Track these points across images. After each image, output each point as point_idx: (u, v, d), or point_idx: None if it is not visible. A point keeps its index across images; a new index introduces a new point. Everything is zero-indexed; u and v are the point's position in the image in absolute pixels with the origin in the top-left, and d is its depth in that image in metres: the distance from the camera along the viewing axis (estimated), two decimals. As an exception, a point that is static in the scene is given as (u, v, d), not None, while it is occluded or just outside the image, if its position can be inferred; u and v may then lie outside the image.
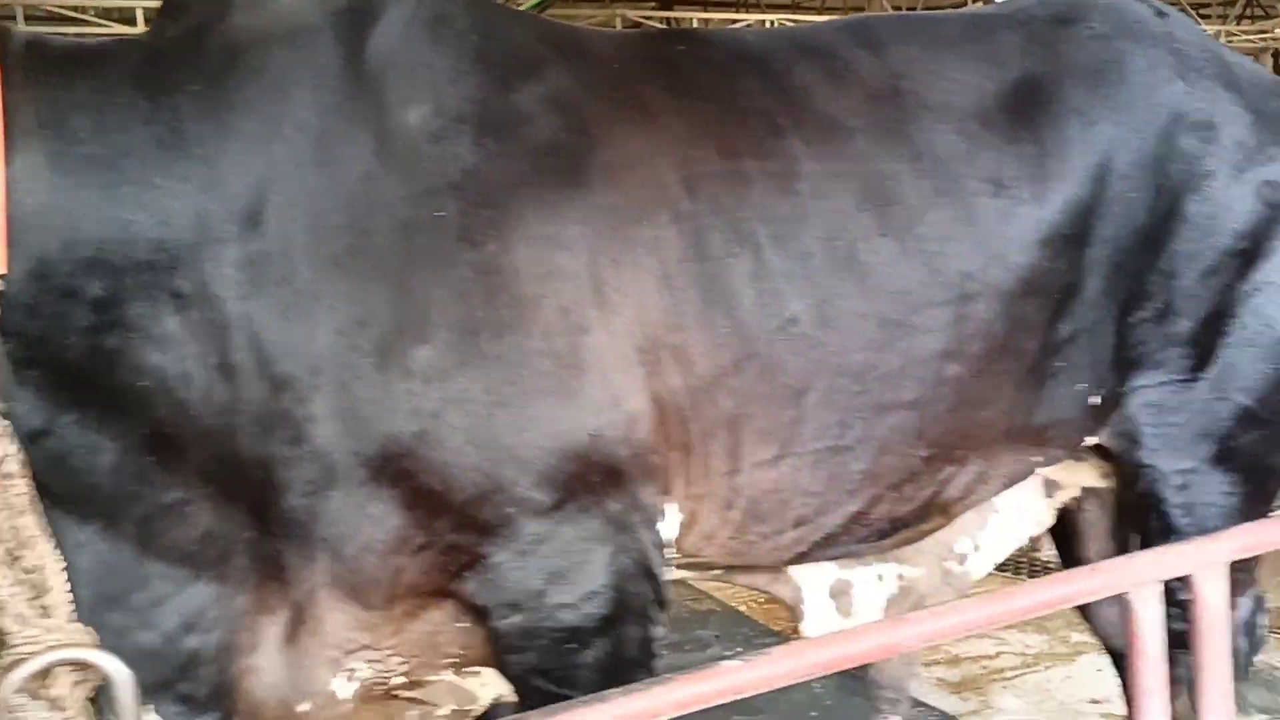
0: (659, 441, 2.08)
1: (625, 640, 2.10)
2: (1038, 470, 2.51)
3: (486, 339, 1.95)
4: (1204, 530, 2.48)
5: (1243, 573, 2.59)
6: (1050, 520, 2.83)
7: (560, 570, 2.02)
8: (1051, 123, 2.34)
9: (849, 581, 2.74)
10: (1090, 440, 2.46)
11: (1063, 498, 2.78)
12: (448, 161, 2.01)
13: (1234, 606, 2.63)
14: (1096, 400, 2.38)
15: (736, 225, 2.10)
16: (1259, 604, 2.71)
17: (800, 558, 2.41)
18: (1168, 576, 1.97)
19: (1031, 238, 2.27)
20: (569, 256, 2.01)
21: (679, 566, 2.43)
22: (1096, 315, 2.33)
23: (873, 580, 2.74)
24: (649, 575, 2.12)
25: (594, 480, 2.01)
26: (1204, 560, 1.90)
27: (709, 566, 2.44)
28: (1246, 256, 2.37)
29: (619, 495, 2.04)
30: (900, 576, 2.74)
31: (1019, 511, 2.79)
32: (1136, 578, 1.86)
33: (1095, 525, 2.78)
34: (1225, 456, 2.43)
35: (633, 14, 13.70)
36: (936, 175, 2.25)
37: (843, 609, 2.73)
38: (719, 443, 2.14)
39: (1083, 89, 2.38)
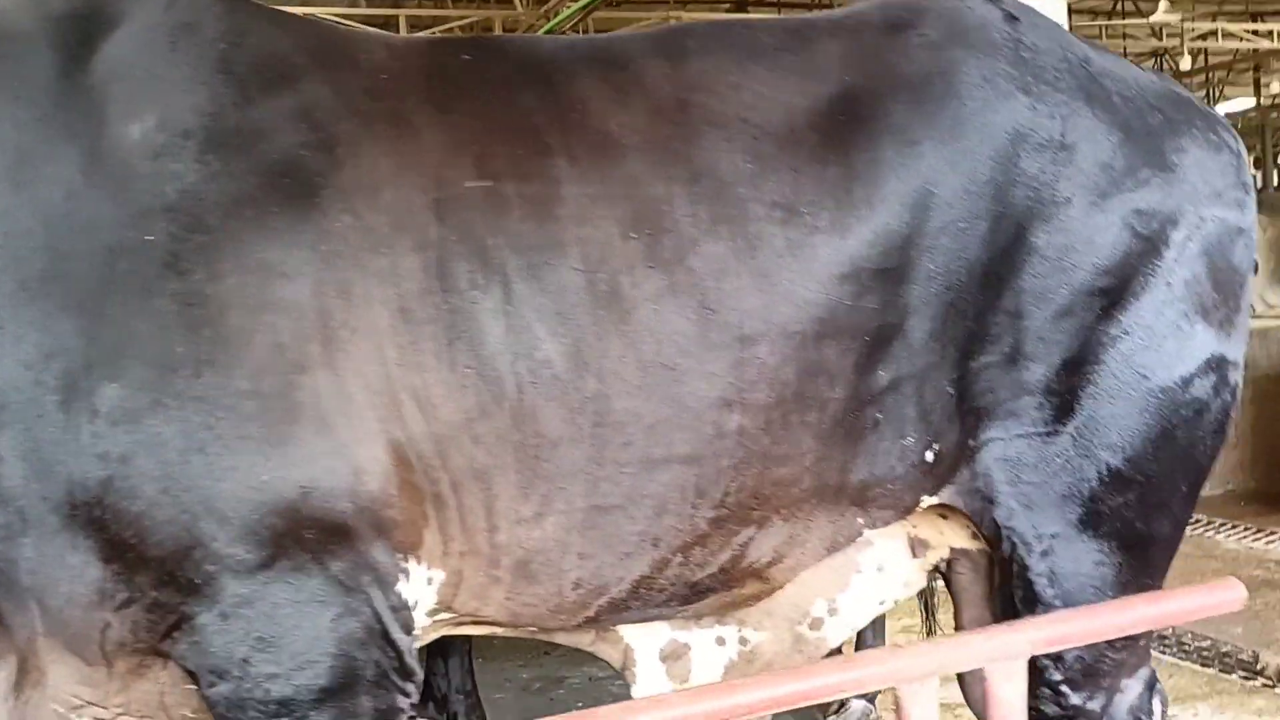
0: (398, 495, 1.85)
1: (356, 713, 1.87)
2: (883, 530, 2.22)
3: (184, 377, 1.75)
4: (1072, 602, 2.18)
5: (1124, 652, 2.27)
6: (921, 581, 2.52)
7: (268, 636, 1.80)
8: (864, 143, 2.04)
9: (685, 644, 2.47)
10: (930, 500, 2.17)
11: (932, 558, 2.47)
12: (164, 180, 1.82)
13: (1118, 690, 2.34)
14: (930, 456, 2.08)
15: (485, 254, 1.87)
16: (1151, 687, 2.37)
17: (590, 621, 2.16)
18: (951, 670, 1.69)
19: (830, 272, 1.98)
20: (289, 287, 1.80)
21: (465, 625, 2.19)
22: (926, 360, 2.04)
23: (712, 643, 2.47)
24: (385, 641, 1.88)
25: (309, 537, 1.79)
26: (996, 653, 1.61)
27: (497, 625, 2.19)
28: (1112, 295, 2.06)
29: (344, 554, 1.82)
30: (743, 640, 2.47)
31: (882, 572, 2.49)
32: (909, 672, 1.58)
33: (968, 590, 2.46)
34: (1094, 521, 2.12)
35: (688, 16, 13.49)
36: (717, 201, 1.98)
37: (677, 673, 2.47)
38: (473, 496, 1.90)
39: (904, 105, 2.07)
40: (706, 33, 2.27)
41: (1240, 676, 4.48)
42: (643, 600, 2.10)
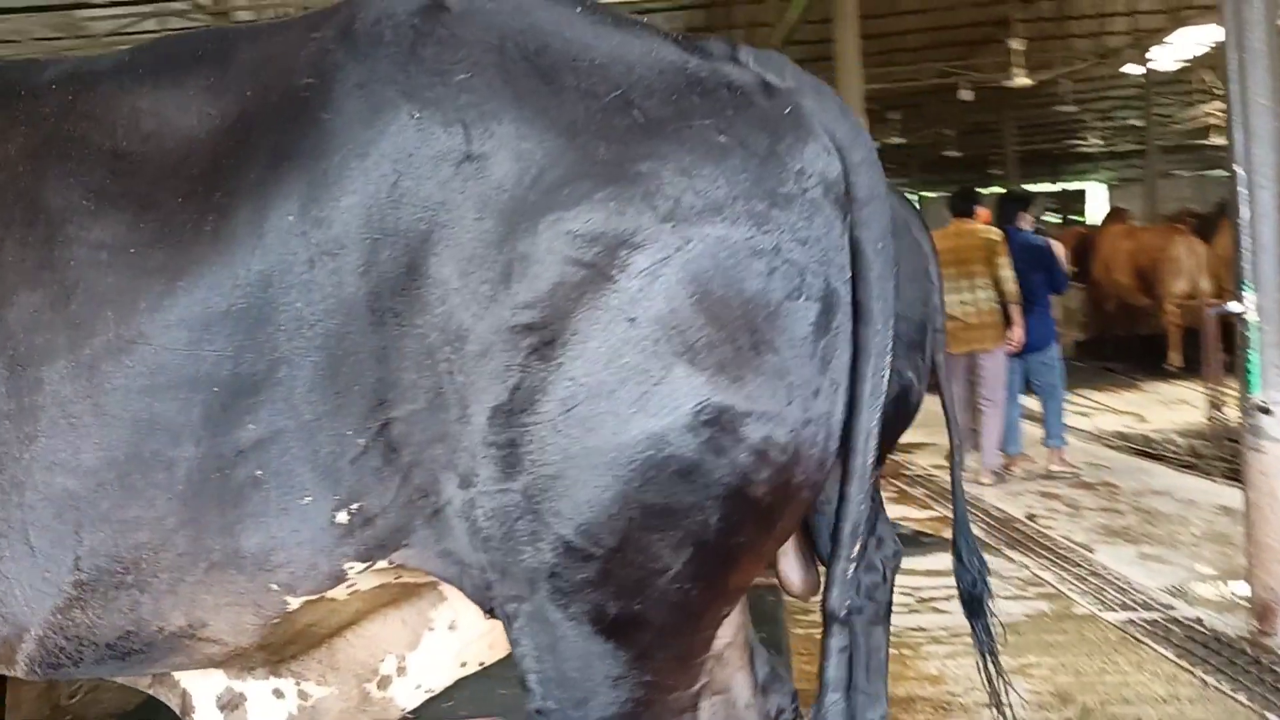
0: None
1: None
2: (305, 600, 1.90)
3: None
4: (565, 686, 1.80)
5: None
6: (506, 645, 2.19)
7: None
8: (233, 169, 1.71)
9: (241, 694, 2.25)
10: (363, 566, 1.84)
11: (510, 618, 2.14)
12: None
13: None
14: (345, 517, 1.77)
15: None
16: None
17: (25, 671, 1.99)
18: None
19: (158, 318, 1.67)
20: None
21: None
22: (315, 411, 1.72)
23: (269, 695, 2.23)
24: None
25: None
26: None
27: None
28: (544, 333, 1.66)
29: None
30: (303, 694, 2.22)
31: (455, 631, 2.17)
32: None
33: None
34: (560, 597, 1.74)
35: None
36: (44, 244, 1.73)
37: (234, 726, 2.28)
38: None
39: (280, 122, 1.72)
40: (151, 48, 1.97)
41: None
42: (65, 657, 1.92)
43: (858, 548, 1.90)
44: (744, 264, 1.66)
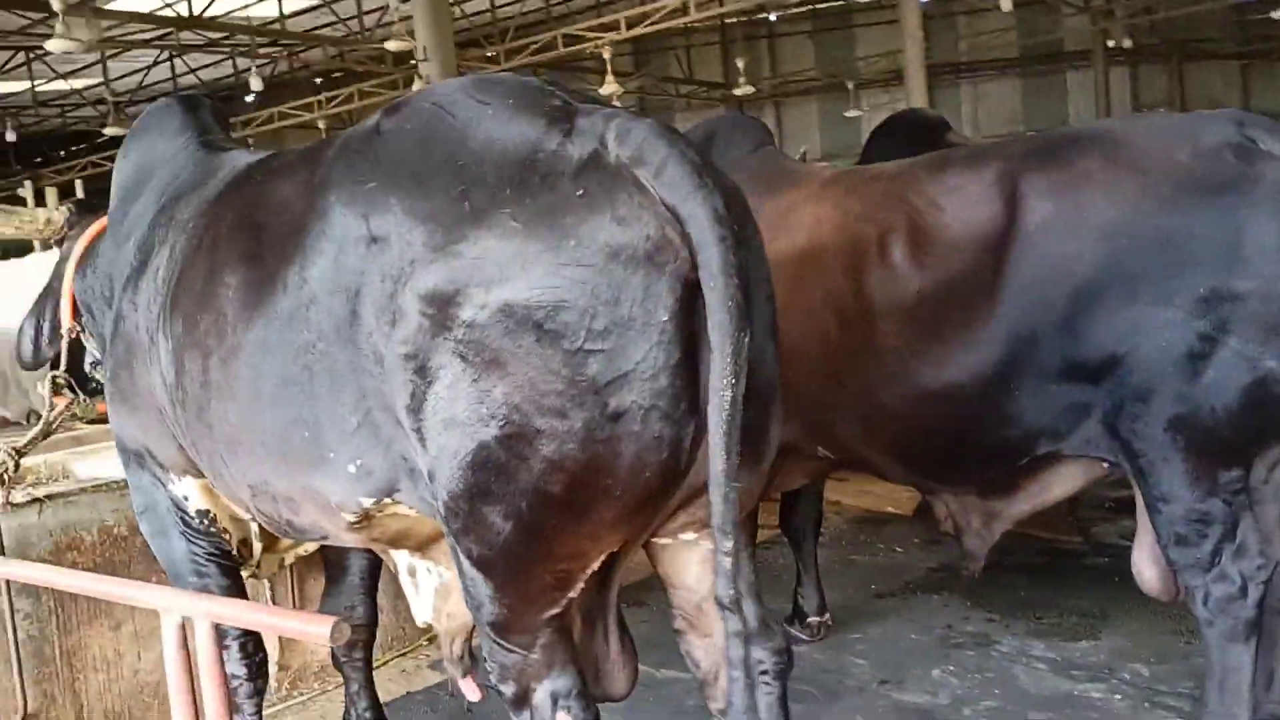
0: None
1: None
2: (353, 517, 2.88)
3: None
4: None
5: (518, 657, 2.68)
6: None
7: None
8: (288, 240, 2.71)
9: (413, 566, 3.47)
10: (386, 500, 2.76)
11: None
12: None
13: (529, 688, 2.75)
14: (353, 469, 2.68)
15: None
16: (557, 700, 2.68)
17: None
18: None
19: (253, 335, 2.80)
20: None
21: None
22: (328, 399, 2.63)
23: (424, 569, 3.42)
24: None
25: None
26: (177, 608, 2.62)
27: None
28: (417, 360, 2.39)
29: None
30: (440, 573, 3.35)
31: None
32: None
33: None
34: (453, 539, 2.58)
35: None
36: (210, 278, 2.96)
37: (415, 586, 3.49)
38: None
39: (297, 211, 2.75)
40: (295, 152, 3.15)
41: None
42: (272, 526, 3.26)
43: (729, 543, 2.39)
44: (534, 313, 2.26)
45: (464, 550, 2.57)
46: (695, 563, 2.92)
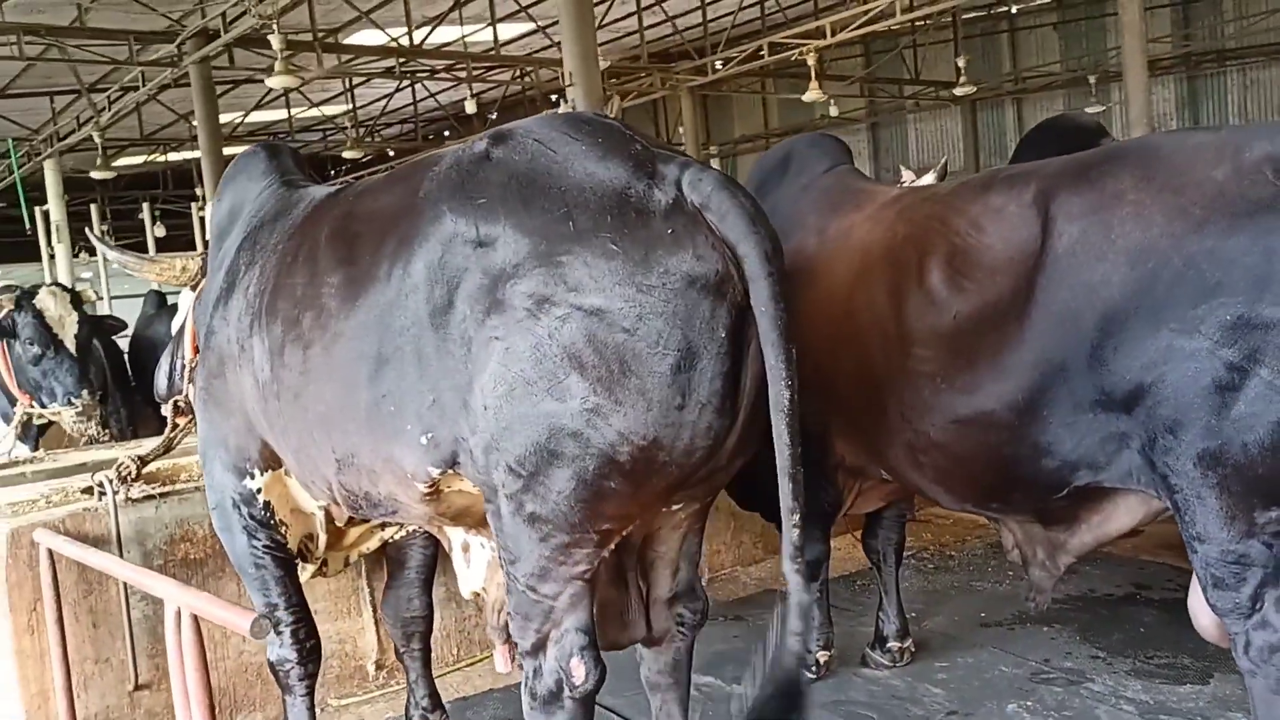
0: None
1: None
2: (425, 488, 3.13)
3: None
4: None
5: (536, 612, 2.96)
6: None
7: None
8: (381, 244, 3.06)
9: (466, 543, 3.70)
10: (450, 472, 3.01)
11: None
12: None
13: (545, 641, 3.03)
14: (424, 440, 2.95)
15: None
16: (571, 654, 2.92)
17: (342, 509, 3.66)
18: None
19: (350, 324, 3.13)
20: None
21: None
22: (411, 377, 2.94)
23: (478, 545, 3.65)
24: None
25: None
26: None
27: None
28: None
29: None
30: (492, 548, 3.54)
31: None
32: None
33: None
34: (505, 501, 2.86)
35: None
36: (314, 280, 3.28)
37: (467, 560, 3.70)
38: None
39: (403, 219, 3.06)
40: (386, 174, 3.46)
41: None
42: (349, 503, 3.47)
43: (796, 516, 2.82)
44: (616, 321, 2.66)
45: (515, 505, 2.86)
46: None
